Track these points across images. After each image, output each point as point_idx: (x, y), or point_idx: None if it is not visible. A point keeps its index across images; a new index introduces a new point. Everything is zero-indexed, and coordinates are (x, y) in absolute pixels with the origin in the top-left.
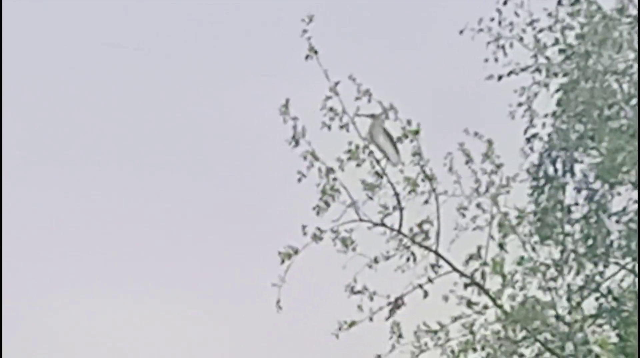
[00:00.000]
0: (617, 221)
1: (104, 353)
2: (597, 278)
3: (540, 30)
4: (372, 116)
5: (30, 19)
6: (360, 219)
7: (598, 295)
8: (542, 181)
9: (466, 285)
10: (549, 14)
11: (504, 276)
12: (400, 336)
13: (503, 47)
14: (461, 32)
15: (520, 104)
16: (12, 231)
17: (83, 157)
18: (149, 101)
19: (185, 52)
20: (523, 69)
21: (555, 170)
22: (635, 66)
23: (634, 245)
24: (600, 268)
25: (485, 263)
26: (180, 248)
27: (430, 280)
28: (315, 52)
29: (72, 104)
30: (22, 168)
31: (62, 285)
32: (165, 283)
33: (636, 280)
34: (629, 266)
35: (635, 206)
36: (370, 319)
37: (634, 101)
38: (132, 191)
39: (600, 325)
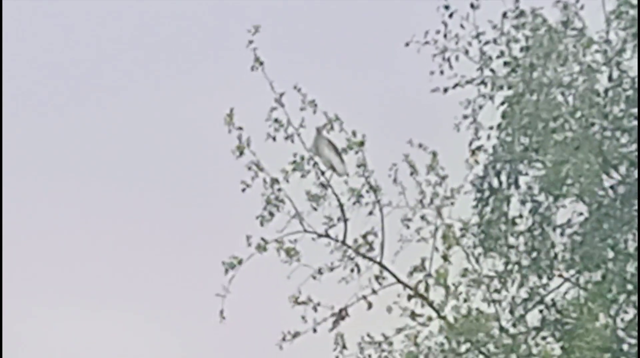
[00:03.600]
0: (562, 234)
1: None
2: (541, 290)
3: (486, 43)
4: (316, 129)
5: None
6: (305, 230)
7: (542, 307)
8: (486, 193)
9: (410, 297)
10: (494, 27)
11: (447, 288)
12: (344, 347)
13: (449, 59)
14: (407, 44)
15: (465, 117)
16: None
17: (21, 168)
18: (92, 110)
19: (131, 61)
20: (468, 82)
21: (500, 182)
22: (581, 78)
23: (577, 258)
24: (544, 280)
25: (429, 275)
26: (124, 258)
27: (374, 291)
28: (261, 63)
29: None
30: None
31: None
32: (109, 293)
33: (581, 292)
34: (573, 279)
35: (580, 218)
36: (314, 330)
37: (578, 114)
38: (77, 201)
39: (544, 338)
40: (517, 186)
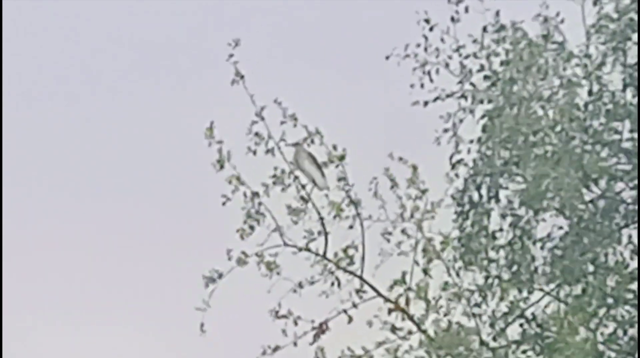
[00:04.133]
0: (542, 248)
1: None
2: (521, 304)
3: (466, 57)
4: (297, 144)
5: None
6: (285, 244)
7: (522, 321)
8: (466, 207)
9: (390, 310)
10: (475, 41)
11: (428, 301)
12: None
13: (429, 73)
14: (387, 57)
15: (445, 130)
16: None
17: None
18: (71, 122)
19: (111, 75)
20: (449, 95)
21: (480, 196)
22: (561, 92)
23: (557, 271)
24: (525, 294)
25: (409, 289)
26: (104, 271)
27: (354, 305)
28: (242, 76)
29: None
30: None
31: None
32: (89, 306)
33: (561, 305)
34: (553, 293)
35: (560, 232)
36: (295, 344)
37: (558, 128)
38: (58, 215)
39: (524, 351)
40: (498, 200)
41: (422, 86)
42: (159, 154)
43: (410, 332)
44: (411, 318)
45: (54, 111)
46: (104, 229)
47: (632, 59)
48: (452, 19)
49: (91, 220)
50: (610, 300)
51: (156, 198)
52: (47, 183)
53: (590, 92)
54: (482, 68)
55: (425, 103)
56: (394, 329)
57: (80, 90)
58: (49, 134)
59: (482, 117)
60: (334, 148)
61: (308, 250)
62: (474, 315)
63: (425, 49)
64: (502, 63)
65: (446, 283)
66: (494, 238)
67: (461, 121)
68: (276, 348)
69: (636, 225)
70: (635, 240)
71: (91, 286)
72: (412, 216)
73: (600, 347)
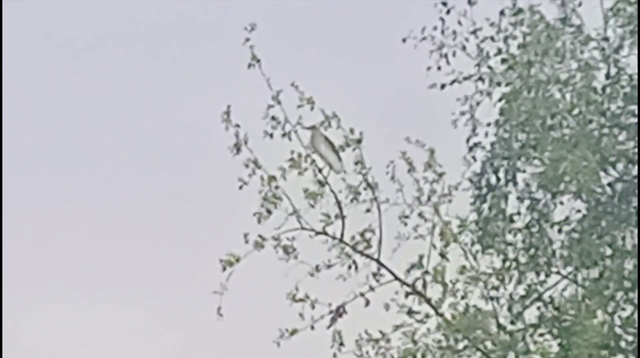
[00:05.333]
0: (559, 231)
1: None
2: (539, 287)
3: (483, 40)
4: (313, 127)
5: None
6: (302, 228)
7: (539, 304)
8: (484, 190)
9: (407, 294)
10: (492, 24)
11: (445, 285)
12: (341, 344)
13: (446, 56)
14: (404, 40)
15: (462, 113)
16: None
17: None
18: (88, 107)
19: (128, 59)
20: (466, 78)
21: (498, 179)
22: (579, 75)
23: (575, 255)
24: (542, 277)
25: (426, 272)
26: (123, 255)
27: (371, 289)
28: (258, 60)
29: None
30: None
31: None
32: (106, 290)
33: (578, 289)
34: (571, 276)
35: (578, 215)
36: (312, 327)
37: (576, 111)
38: (75, 198)
39: (541, 335)
40: (515, 183)
41: (439, 68)
42: (176, 138)
43: (427, 316)
44: (428, 301)
45: (73, 93)
46: (123, 213)
47: None
48: (469, 1)
49: (109, 205)
50: (627, 284)
51: (174, 182)
52: (67, 166)
53: (607, 76)
54: (499, 51)
55: (442, 86)
56: (411, 312)
57: (98, 74)
58: (68, 116)
59: (500, 100)
60: (351, 131)
61: (325, 233)
62: (491, 298)
63: (443, 32)
64: (519, 46)
65: (463, 266)
66: (512, 221)
67: (478, 103)
68: (294, 332)
69: None
70: None
71: (109, 270)
72: (429, 199)
73: (618, 330)
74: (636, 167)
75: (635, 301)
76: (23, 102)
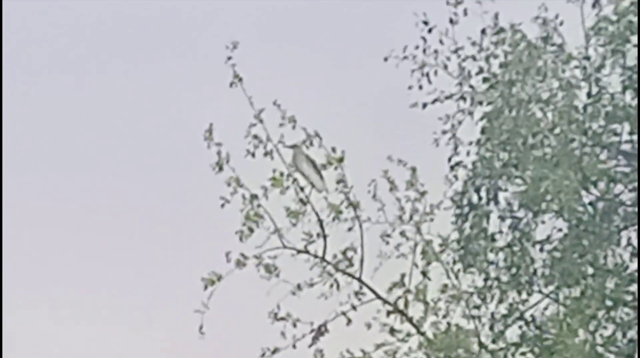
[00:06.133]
0: (541, 250)
1: None
2: (520, 306)
3: (465, 59)
4: (295, 146)
5: None
6: (284, 246)
7: (521, 323)
8: (465, 209)
9: (389, 313)
10: (473, 43)
11: (427, 303)
12: None
13: (427, 74)
14: (386, 59)
15: (444, 132)
16: None
17: None
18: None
19: (111, 76)
20: (447, 97)
21: (479, 198)
22: (560, 94)
23: (556, 274)
24: (524, 296)
25: (408, 291)
26: (105, 272)
27: (353, 308)
28: (240, 79)
29: None
30: None
31: None
32: (89, 307)
33: (560, 308)
34: (552, 295)
35: (559, 234)
36: (294, 346)
37: (558, 130)
38: (58, 218)
39: (523, 353)
40: (497, 202)
41: (420, 87)
42: (158, 156)
43: (409, 334)
44: (410, 320)
45: (47, 111)
46: (103, 231)
47: (631, 61)
48: (451, 20)
49: (90, 222)
50: (609, 302)
51: (155, 200)
52: (38, 187)
53: (589, 95)
54: (481, 70)
55: (424, 105)
56: (392, 331)
57: (81, 91)
58: (43, 134)
59: (481, 119)
60: (333, 150)
61: (307, 252)
62: (472, 317)
63: (424, 51)
64: (501, 65)
65: (445, 285)
66: (493, 240)
67: (460, 122)
68: (275, 351)
69: (635, 227)
70: (635, 242)
71: (90, 289)
72: (411, 218)
73: (599, 349)
74: (617, 186)
75: (617, 320)
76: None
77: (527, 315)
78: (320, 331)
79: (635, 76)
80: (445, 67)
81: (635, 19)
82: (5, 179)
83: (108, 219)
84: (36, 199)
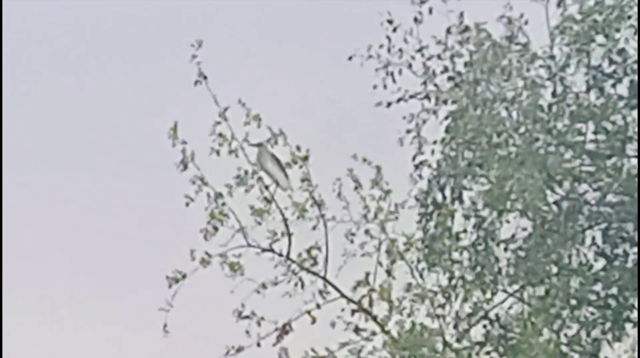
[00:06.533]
0: (505, 249)
1: None
2: (485, 305)
3: (430, 58)
4: (260, 144)
5: None
6: (249, 245)
7: (486, 322)
8: (430, 208)
9: (354, 311)
10: (438, 42)
11: (391, 302)
12: None
13: (392, 74)
14: (350, 58)
15: (408, 131)
16: None
17: None
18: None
19: (75, 72)
20: (412, 96)
21: (444, 197)
22: (525, 93)
23: (521, 273)
24: (488, 295)
25: (373, 290)
26: (67, 271)
27: (318, 306)
28: (205, 77)
29: None
30: None
31: None
32: (51, 305)
33: (524, 307)
34: (517, 294)
35: (524, 233)
36: (258, 344)
37: (522, 129)
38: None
39: (487, 353)
40: (461, 201)
41: (385, 86)
42: (122, 154)
43: (373, 333)
44: (374, 319)
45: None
46: (66, 229)
47: (595, 61)
48: (416, 19)
49: (54, 219)
50: (573, 302)
51: (119, 198)
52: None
53: (554, 94)
54: (445, 69)
55: (389, 104)
56: (357, 330)
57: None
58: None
59: (446, 118)
60: (298, 148)
61: (271, 250)
62: (437, 316)
63: (389, 50)
64: (466, 64)
65: (409, 284)
66: (458, 239)
67: (424, 122)
68: (240, 349)
69: (600, 226)
70: (599, 241)
71: (54, 286)
72: (375, 217)
73: (564, 349)
74: (582, 185)
75: (582, 319)
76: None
77: (491, 314)
78: (285, 329)
79: (599, 76)
80: (410, 66)
81: (599, 18)
82: (5, 179)
83: (71, 217)
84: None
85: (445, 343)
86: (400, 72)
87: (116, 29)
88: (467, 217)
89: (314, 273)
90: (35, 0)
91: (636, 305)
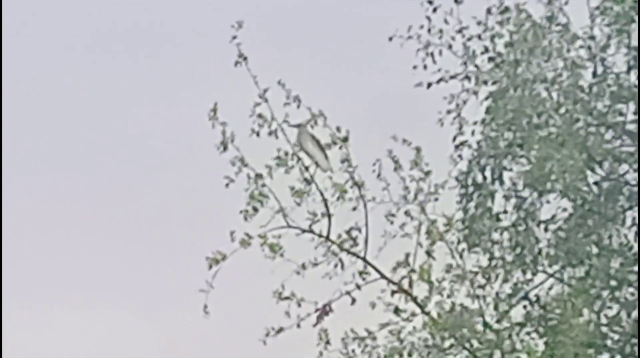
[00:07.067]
0: (546, 230)
1: None
2: (525, 286)
3: (470, 38)
4: (300, 125)
5: None
6: (289, 226)
7: (526, 303)
8: (470, 189)
9: (394, 292)
10: (479, 23)
11: (431, 283)
12: (327, 343)
13: (432, 54)
14: (390, 39)
15: (449, 112)
16: None
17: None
18: (77, 105)
19: (115, 57)
20: (452, 77)
21: (484, 178)
22: (565, 74)
23: (561, 253)
24: (528, 276)
25: (413, 271)
26: (109, 252)
27: (358, 287)
28: (245, 58)
29: None
30: None
31: None
32: (94, 287)
33: (565, 287)
34: (557, 275)
35: (564, 214)
36: (298, 325)
37: (563, 110)
38: (63, 193)
39: (527, 333)
40: (502, 182)
41: (425, 67)
42: (163, 136)
43: (413, 314)
44: (414, 300)
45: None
46: (108, 212)
47: (636, 41)
48: (456, 0)
49: (96, 204)
50: (613, 282)
51: (160, 180)
52: (54, 166)
53: (594, 74)
54: (486, 50)
55: (429, 85)
56: (397, 311)
57: (85, 75)
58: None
59: (486, 98)
60: (338, 129)
61: (311, 231)
62: (477, 296)
63: (429, 31)
64: (506, 45)
65: (450, 265)
66: (498, 219)
67: (465, 102)
68: (280, 330)
69: None
70: None
71: (95, 269)
72: (415, 198)
73: (604, 329)
74: (622, 165)
75: (622, 300)
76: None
77: (531, 295)
78: (325, 310)
79: None
80: (450, 46)
81: None
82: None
83: (112, 201)
84: (44, 186)
85: (485, 324)
86: (440, 52)
87: (154, 12)
88: (507, 198)
89: (354, 254)
90: None
91: None
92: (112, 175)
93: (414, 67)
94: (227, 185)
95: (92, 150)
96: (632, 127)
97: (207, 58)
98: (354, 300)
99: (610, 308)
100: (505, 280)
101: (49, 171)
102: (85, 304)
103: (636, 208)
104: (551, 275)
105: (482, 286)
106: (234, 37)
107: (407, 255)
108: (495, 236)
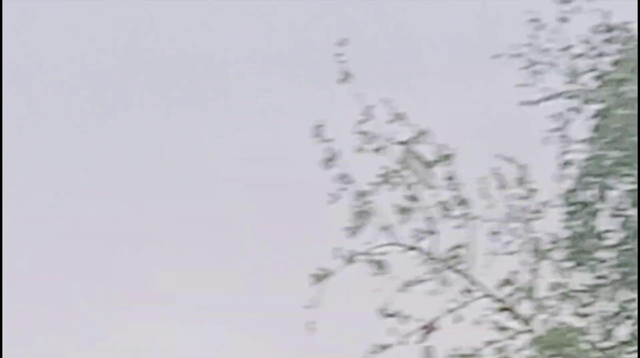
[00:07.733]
0: None
1: None
2: (630, 305)
3: (575, 57)
4: (405, 142)
5: None
6: (393, 243)
7: (632, 321)
8: (576, 207)
9: (499, 310)
10: (584, 41)
11: (536, 301)
12: None
13: (537, 72)
14: (495, 56)
15: (555, 130)
16: None
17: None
18: (176, 119)
19: (213, 71)
20: (558, 95)
21: (590, 196)
22: None
23: None
24: (634, 294)
25: (518, 288)
26: (212, 270)
27: (463, 304)
28: (349, 75)
29: None
30: None
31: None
32: (197, 304)
33: None
34: None
35: None
36: (403, 343)
37: None
38: (167, 209)
39: (633, 352)
40: (607, 200)
41: (530, 85)
42: (268, 153)
43: (518, 332)
44: (519, 317)
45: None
46: (213, 227)
47: None
48: (561, 19)
49: (203, 218)
50: None
51: (264, 196)
52: (151, 180)
53: None
54: (592, 69)
55: (534, 103)
56: (502, 328)
57: (174, 84)
58: (121, 119)
59: (593, 117)
60: (443, 147)
61: (416, 248)
62: (582, 315)
63: (533, 49)
64: (612, 63)
65: (555, 283)
66: (603, 238)
67: (570, 121)
68: (385, 347)
69: None
70: None
71: (200, 285)
72: (520, 216)
73: None
74: None
75: None
76: None
77: (636, 314)
78: (430, 327)
79: None
80: (555, 65)
81: None
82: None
83: (219, 216)
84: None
85: (591, 343)
86: (545, 71)
87: (261, 25)
88: (613, 216)
89: (459, 272)
90: None
91: None
92: (222, 193)
93: (519, 85)
94: (331, 202)
95: (204, 167)
96: None
97: (309, 74)
98: (459, 318)
99: None
100: (610, 299)
101: (148, 185)
102: (188, 321)
103: None
104: None
105: (587, 305)
106: (338, 54)
107: (512, 273)
108: (601, 254)
